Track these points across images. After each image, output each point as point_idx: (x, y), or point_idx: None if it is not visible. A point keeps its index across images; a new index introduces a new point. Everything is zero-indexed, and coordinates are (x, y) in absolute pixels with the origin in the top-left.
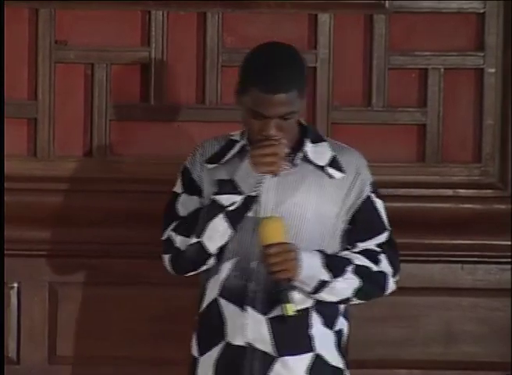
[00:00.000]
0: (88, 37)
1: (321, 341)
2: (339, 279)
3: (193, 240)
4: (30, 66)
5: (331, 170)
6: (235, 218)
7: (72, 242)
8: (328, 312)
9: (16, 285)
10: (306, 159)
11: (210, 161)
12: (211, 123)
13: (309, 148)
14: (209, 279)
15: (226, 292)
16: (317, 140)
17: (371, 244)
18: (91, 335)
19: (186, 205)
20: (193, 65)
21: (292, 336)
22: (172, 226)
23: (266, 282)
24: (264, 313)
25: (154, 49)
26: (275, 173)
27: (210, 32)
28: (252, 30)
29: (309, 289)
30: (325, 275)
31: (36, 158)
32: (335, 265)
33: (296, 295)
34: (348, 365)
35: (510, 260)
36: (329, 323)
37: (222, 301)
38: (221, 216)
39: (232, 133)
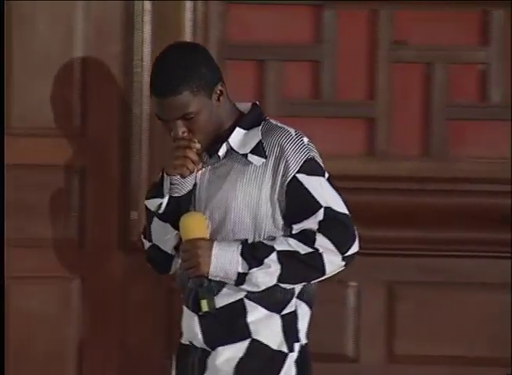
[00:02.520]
0: (426, 37)
1: (261, 325)
2: (256, 269)
3: (148, 243)
4: (369, 66)
5: (252, 157)
6: (172, 218)
7: (410, 242)
8: (269, 297)
9: (355, 284)
10: (232, 150)
11: None
12: None
13: (238, 136)
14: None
15: (183, 293)
16: (253, 125)
17: (308, 224)
18: (427, 335)
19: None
20: None
21: (224, 328)
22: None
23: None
24: (194, 310)
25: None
26: (183, 175)
27: None
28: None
29: (231, 282)
30: (241, 267)
31: (374, 158)
32: (253, 255)
33: (224, 291)
34: (295, 347)
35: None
36: (274, 307)
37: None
38: (156, 219)
39: None
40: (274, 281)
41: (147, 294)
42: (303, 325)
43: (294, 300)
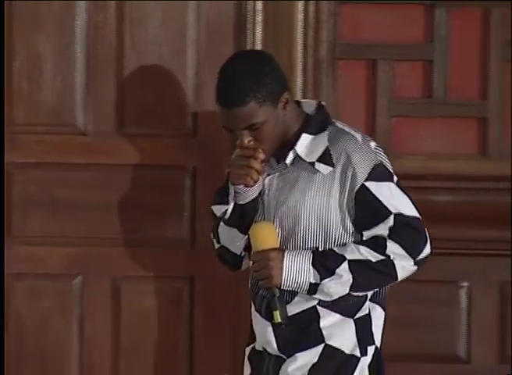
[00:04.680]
0: None
1: (334, 330)
2: (327, 280)
3: (217, 244)
4: (481, 65)
5: (319, 166)
6: (238, 223)
7: None
8: (346, 302)
9: (466, 284)
10: (299, 157)
11: None
12: None
13: (305, 143)
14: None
15: (252, 297)
16: (319, 130)
17: (379, 231)
18: None
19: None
20: None
21: (297, 335)
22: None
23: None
24: (268, 319)
25: None
26: (247, 185)
27: None
28: None
29: (303, 292)
30: (313, 277)
31: (487, 158)
32: (325, 265)
33: (297, 299)
34: (379, 350)
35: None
36: (347, 311)
37: (253, 307)
38: (222, 224)
39: None
40: (346, 290)
41: None
42: (377, 328)
43: (367, 303)
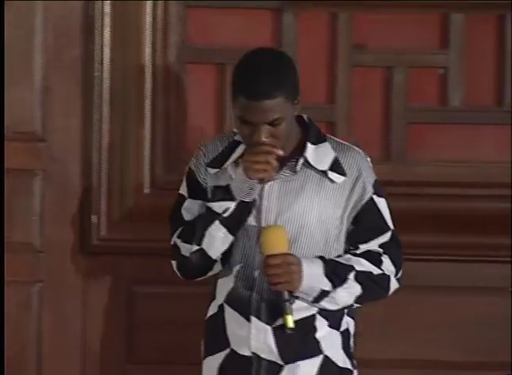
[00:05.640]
0: (386, 41)
1: (327, 343)
2: (340, 288)
3: (195, 247)
4: (329, 69)
5: (332, 175)
6: (232, 224)
7: None
8: (333, 314)
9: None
10: (307, 164)
11: (212, 165)
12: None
13: (310, 150)
14: (216, 283)
15: (232, 300)
16: (319, 140)
17: (373, 245)
18: None
19: (190, 209)
20: None
21: (297, 342)
22: (177, 233)
23: (269, 291)
24: (269, 323)
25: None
26: (265, 181)
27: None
28: None
29: (310, 299)
30: (326, 285)
31: None
32: (336, 274)
33: (297, 305)
34: (355, 365)
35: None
36: (335, 324)
37: (227, 309)
38: (217, 223)
39: (235, 131)
40: (351, 301)
41: (106, 298)
42: (352, 343)
43: (346, 317)
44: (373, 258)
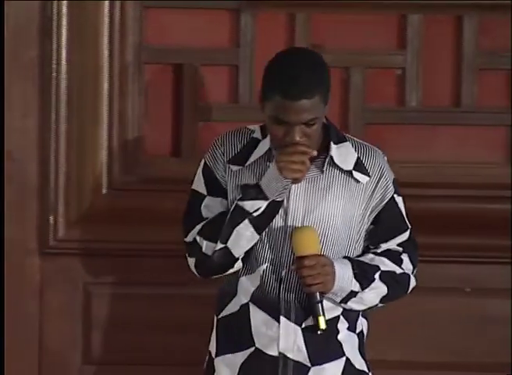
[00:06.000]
0: (344, 41)
1: (347, 345)
2: (368, 289)
3: (220, 245)
4: None
5: (357, 175)
6: (261, 223)
7: None
8: (352, 316)
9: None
10: (332, 163)
11: (233, 162)
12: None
13: (334, 150)
14: (238, 281)
15: (258, 300)
16: (340, 140)
17: (393, 244)
18: None
19: (211, 207)
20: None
21: (323, 344)
22: (197, 229)
23: (298, 291)
24: (298, 323)
25: (409, 53)
26: (298, 181)
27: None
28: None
29: (338, 299)
30: (355, 286)
31: None
32: (364, 275)
33: (324, 306)
34: (369, 367)
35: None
36: (352, 326)
37: (252, 308)
38: (246, 221)
39: (250, 128)
40: (377, 301)
41: (63, 299)
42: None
43: (360, 318)
44: (394, 257)
